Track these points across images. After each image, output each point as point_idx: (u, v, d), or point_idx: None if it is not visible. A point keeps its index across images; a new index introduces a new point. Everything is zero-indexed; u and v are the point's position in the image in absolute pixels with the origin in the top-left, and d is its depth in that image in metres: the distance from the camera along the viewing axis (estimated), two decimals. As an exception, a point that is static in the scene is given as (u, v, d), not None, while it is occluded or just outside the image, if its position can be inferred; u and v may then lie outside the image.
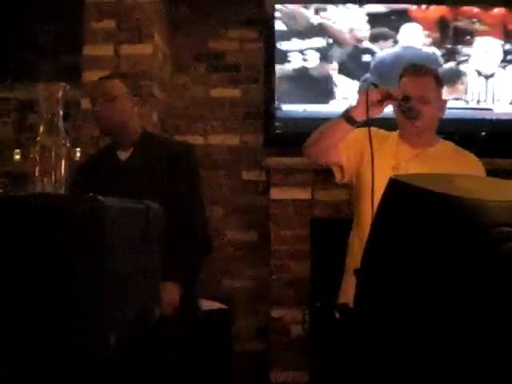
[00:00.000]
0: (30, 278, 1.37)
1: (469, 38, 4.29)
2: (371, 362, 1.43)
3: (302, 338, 3.84)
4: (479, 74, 4.24)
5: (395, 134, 2.88)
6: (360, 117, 2.64)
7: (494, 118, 4.16)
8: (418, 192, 1.31)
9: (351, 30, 4.32)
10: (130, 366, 1.68)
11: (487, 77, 4.24)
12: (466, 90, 4.24)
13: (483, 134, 4.16)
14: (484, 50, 4.28)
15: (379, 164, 2.59)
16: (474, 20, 4.30)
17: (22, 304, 1.37)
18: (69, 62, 4.26)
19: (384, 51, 4.30)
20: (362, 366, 1.51)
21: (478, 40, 4.27)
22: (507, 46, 4.27)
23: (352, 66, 4.30)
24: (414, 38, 4.31)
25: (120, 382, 1.56)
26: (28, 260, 1.39)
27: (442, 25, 4.32)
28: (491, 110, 4.16)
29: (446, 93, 4.15)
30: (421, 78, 2.79)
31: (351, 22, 4.33)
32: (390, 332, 1.34)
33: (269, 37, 4.34)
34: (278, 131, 4.19)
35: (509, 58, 4.26)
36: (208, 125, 4.52)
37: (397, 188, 1.36)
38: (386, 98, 2.63)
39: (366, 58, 4.31)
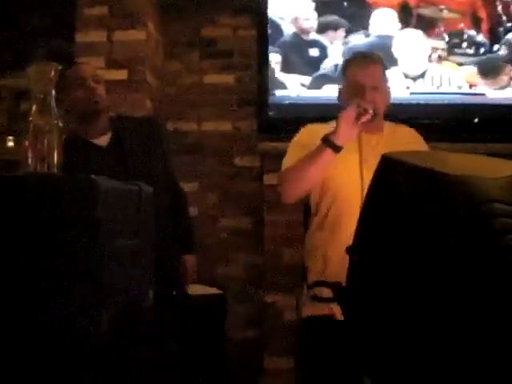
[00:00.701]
0: (24, 256, 1.38)
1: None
2: (366, 342, 1.44)
3: (296, 323, 3.85)
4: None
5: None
6: (345, 140, 2.50)
7: (487, 102, 4.16)
8: (410, 169, 1.32)
9: (296, 20, 4.25)
10: (122, 346, 1.69)
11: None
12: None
13: (476, 119, 4.16)
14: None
15: (344, 158, 2.53)
16: (442, 7, 4.16)
17: (14, 281, 1.37)
18: (61, 48, 4.25)
19: (356, 39, 4.20)
20: (356, 347, 1.52)
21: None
22: (479, 38, 4.19)
23: (297, 61, 4.24)
24: (385, 24, 4.18)
25: (111, 361, 1.57)
26: (21, 239, 1.39)
27: (404, 12, 4.18)
28: (484, 94, 4.16)
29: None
30: (371, 66, 2.72)
31: (296, 10, 4.25)
32: (384, 309, 1.34)
33: (261, 23, 4.35)
34: (271, 117, 4.19)
35: (482, 50, 4.20)
36: (201, 111, 4.52)
37: (389, 165, 1.36)
38: (363, 113, 2.51)
39: (314, 52, 4.21)
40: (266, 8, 4.30)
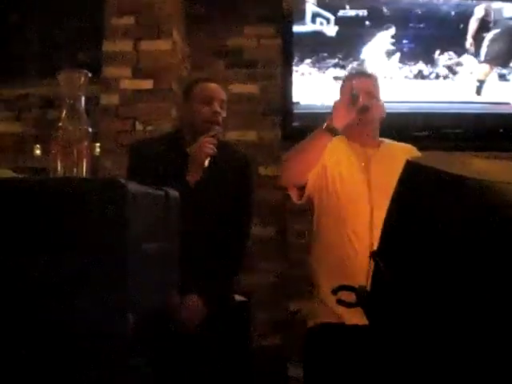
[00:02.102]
0: (51, 258, 1.40)
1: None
2: (390, 347, 1.44)
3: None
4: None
5: (340, 138, 2.82)
6: (341, 123, 2.64)
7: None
8: (433, 174, 1.32)
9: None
10: (148, 347, 1.70)
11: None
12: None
13: (501, 129, 4.16)
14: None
15: (347, 166, 2.76)
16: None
17: (40, 282, 1.39)
18: (89, 57, 4.30)
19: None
20: (381, 352, 1.52)
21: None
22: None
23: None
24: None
25: (137, 362, 1.58)
26: (49, 242, 1.41)
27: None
28: (509, 103, 4.15)
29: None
30: (364, 78, 2.90)
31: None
32: (409, 315, 1.35)
33: (286, 33, 4.37)
34: (295, 126, 4.21)
35: None
36: (226, 120, 4.52)
37: (412, 170, 1.37)
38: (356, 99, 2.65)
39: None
40: (290, 17, 4.33)
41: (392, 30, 4.28)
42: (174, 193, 1.87)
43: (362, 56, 4.27)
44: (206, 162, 2.93)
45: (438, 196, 1.31)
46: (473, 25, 4.26)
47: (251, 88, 4.59)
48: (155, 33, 4.10)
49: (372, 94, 2.81)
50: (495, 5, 4.30)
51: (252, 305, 3.86)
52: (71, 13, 4.56)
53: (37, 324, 1.41)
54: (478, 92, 4.20)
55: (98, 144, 4.04)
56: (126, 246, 1.44)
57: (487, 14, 4.29)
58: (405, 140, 2.93)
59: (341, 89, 2.87)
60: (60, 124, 1.62)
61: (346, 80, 2.92)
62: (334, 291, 1.64)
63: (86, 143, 1.64)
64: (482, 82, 4.23)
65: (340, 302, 1.59)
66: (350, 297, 1.55)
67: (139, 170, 2.88)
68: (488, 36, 4.32)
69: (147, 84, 4.08)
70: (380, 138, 2.94)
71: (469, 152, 3.79)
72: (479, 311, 1.23)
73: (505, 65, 4.30)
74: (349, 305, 1.56)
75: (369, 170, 2.76)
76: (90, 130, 1.65)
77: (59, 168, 1.63)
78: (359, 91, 2.69)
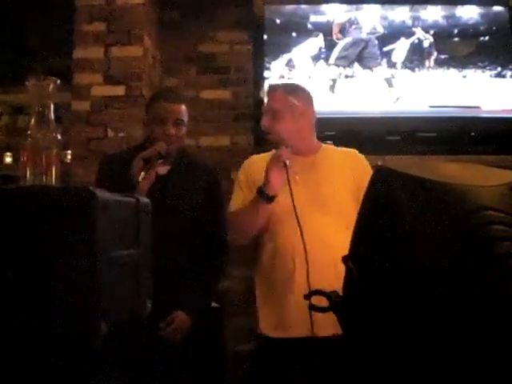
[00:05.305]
0: (20, 266, 1.38)
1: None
2: (362, 352, 1.44)
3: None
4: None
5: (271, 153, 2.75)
6: (276, 188, 2.60)
7: (482, 116, 4.18)
8: (402, 178, 1.33)
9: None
10: (121, 357, 1.69)
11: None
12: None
13: (472, 133, 4.18)
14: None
15: None
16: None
17: (10, 292, 1.37)
18: (59, 64, 4.28)
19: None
20: (355, 357, 1.52)
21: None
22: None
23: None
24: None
25: (110, 371, 1.57)
26: (18, 250, 1.39)
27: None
28: (479, 107, 4.18)
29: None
30: (273, 93, 2.86)
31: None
32: (381, 319, 1.35)
33: (258, 38, 4.38)
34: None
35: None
36: (199, 126, 4.52)
37: (382, 175, 1.37)
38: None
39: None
40: (262, 23, 4.33)
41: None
42: (145, 200, 1.85)
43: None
44: (164, 170, 2.96)
45: (406, 199, 1.31)
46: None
47: (223, 93, 4.59)
48: (126, 39, 4.09)
49: (278, 114, 2.75)
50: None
51: (225, 310, 3.84)
52: (43, 19, 4.53)
53: (6, 334, 1.39)
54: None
55: (69, 151, 4.03)
56: (97, 254, 1.43)
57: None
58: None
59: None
60: (28, 132, 1.61)
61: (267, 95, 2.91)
62: (307, 296, 1.64)
63: (55, 151, 1.62)
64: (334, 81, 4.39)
65: (312, 307, 1.59)
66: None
67: (103, 184, 2.86)
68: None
69: (118, 90, 4.07)
70: (324, 145, 2.91)
71: (442, 156, 3.81)
72: (451, 315, 1.23)
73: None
74: (321, 310, 1.56)
75: (297, 183, 2.68)
76: (59, 137, 1.63)
77: (28, 176, 1.61)
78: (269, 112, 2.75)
